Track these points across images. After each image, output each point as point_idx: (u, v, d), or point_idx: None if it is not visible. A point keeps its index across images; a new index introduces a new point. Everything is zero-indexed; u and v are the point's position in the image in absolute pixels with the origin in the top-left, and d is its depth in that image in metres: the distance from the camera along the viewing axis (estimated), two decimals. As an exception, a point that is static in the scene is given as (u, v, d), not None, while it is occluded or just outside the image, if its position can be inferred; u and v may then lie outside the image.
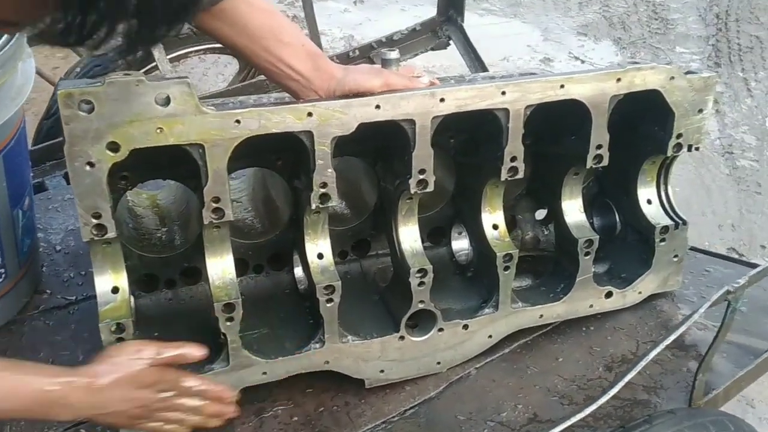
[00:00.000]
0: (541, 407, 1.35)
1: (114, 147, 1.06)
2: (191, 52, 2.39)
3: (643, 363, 1.06)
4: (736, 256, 3.04)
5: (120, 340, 1.18)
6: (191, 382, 1.13)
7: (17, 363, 1.07)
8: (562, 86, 1.30)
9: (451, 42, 2.47)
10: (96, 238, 1.12)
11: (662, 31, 5.52)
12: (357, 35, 5.10)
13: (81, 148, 1.05)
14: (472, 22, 2.53)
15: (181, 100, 1.08)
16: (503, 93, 1.26)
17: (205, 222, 1.17)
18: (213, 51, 2.48)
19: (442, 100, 1.23)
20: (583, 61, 5.12)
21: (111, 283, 1.21)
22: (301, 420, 1.32)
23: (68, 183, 1.09)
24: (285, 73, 1.26)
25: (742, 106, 4.56)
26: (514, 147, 1.31)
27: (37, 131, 2.43)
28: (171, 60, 2.28)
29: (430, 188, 1.29)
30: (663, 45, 5.34)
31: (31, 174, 1.64)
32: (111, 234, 1.11)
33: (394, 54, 1.32)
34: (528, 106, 1.29)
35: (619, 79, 1.34)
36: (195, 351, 1.12)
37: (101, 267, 1.21)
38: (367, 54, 2.37)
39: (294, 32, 1.27)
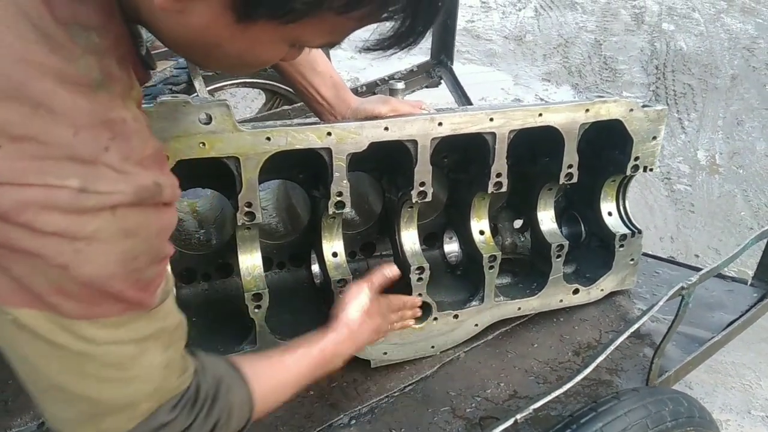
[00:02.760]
0: (520, 385, 1.31)
1: (163, 158, 1.02)
2: (227, 84, 2.36)
3: (611, 348, 1.02)
4: (676, 263, 3.00)
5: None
6: (395, 300, 1.18)
7: (286, 348, 0.92)
8: (540, 114, 1.28)
9: (442, 81, 2.45)
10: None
11: (611, 79, 5.53)
12: (361, 77, 5.10)
13: (135, 158, 1.01)
14: (455, 69, 2.52)
15: (221, 119, 1.05)
16: (491, 119, 1.24)
17: (239, 223, 1.13)
18: (245, 85, 2.45)
19: (440, 124, 1.20)
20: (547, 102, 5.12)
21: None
22: (317, 393, 1.27)
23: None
24: (313, 96, 1.23)
25: (677, 141, 4.55)
26: (500, 165, 1.28)
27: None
28: (209, 92, 2.25)
29: (429, 198, 1.26)
30: (612, 90, 5.35)
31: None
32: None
33: (400, 85, 1.29)
34: (512, 131, 1.27)
35: (587, 110, 1.32)
36: (390, 271, 1.12)
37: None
38: (372, 90, 2.34)
39: (326, 64, 1.24)
